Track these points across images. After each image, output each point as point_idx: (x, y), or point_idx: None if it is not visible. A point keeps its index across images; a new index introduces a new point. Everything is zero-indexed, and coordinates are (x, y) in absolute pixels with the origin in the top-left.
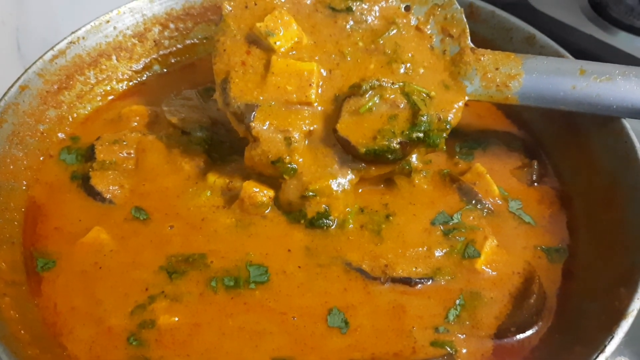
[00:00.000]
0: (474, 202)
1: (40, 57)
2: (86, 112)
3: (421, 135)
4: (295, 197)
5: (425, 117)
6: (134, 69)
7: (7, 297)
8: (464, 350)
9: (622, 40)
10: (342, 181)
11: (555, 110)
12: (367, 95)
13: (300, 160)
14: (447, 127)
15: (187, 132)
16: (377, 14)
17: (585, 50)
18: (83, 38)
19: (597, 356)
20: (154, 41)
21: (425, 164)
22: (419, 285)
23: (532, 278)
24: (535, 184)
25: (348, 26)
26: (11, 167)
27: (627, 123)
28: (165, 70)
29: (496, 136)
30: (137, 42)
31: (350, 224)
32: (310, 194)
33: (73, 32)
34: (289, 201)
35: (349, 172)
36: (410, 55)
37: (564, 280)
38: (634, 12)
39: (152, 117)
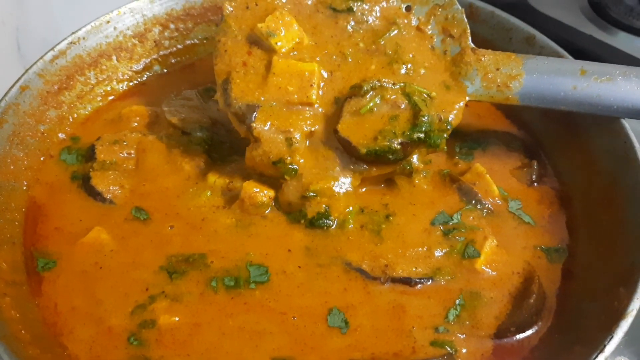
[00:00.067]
0: (473, 202)
1: (41, 58)
2: (86, 112)
3: (422, 135)
4: (296, 198)
5: (426, 117)
6: (134, 69)
7: (8, 297)
8: (464, 350)
9: (622, 41)
10: (344, 182)
11: (555, 110)
12: (368, 96)
13: (302, 161)
14: (448, 127)
15: (188, 132)
16: (378, 14)
17: (584, 50)
18: (83, 38)
19: (597, 356)
20: (154, 41)
21: (425, 164)
22: (419, 285)
23: (532, 278)
24: (535, 184)
25: (349, 27)
26: (12, 167)
27: (627, 123)
28: (165, 70)
29: (496, 136)
30: (137, 42)
31: (350, 224)
32: (311, 194)
33: (73, 33)
34: (289, 201)
35: (351, 173)
36: (411, 55)
37: (563, 280)
38: (633, 12)
39: (153, 117)
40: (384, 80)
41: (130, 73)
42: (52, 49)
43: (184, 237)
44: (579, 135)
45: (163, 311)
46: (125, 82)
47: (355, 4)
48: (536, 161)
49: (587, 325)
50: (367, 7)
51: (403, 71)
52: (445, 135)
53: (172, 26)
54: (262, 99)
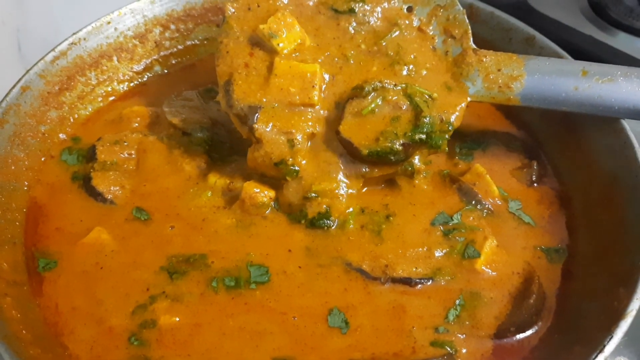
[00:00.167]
0: (473, 202)
1: (42, 58)
2: (87, 112)
3: (423, 136)
4: (297, 199)
5: (427, 118)
6: (134, 70)
7: (9, 297)
8: (464, 350)
9: (622, 41)
10: (346, 184)
11: (555, 111)
12: (369, 97)
13: (303, 162)
14: (450, 128)
15: (188, 132)
16: (380, 15)
17: (584, 51)
18: (84, 39)
19: (596, 356)
20: (155, 42)
21: (425, 165)
22: (419, 285)
23: (532, 278)
24: (535, 184)
25: (351, 28)
26: (13, 167)
27: (626, 123)
28: (166, 71)
29: (496, 137)
30: (138, 43)
31: (350, 224)
32: (313, 195)
33: (74, 33)
34: (289, 202)
35: (352, 174)
36: (412, 56)
37: (563, 281)
38: (633, 12)
39: (153, 117)
40: (385, 81)
41: (130, 74)
42: (53, 49)
43: (184, 238)
44: (578, 135)
45: (164, 311)
46: (126, 83)
47: (357, 5)
48: (536, 161)
49: (586, 326)
50: (368, 8)
51: (405, 72)
52: (446, 136)
53: (172, 27)
54: (264, 100)
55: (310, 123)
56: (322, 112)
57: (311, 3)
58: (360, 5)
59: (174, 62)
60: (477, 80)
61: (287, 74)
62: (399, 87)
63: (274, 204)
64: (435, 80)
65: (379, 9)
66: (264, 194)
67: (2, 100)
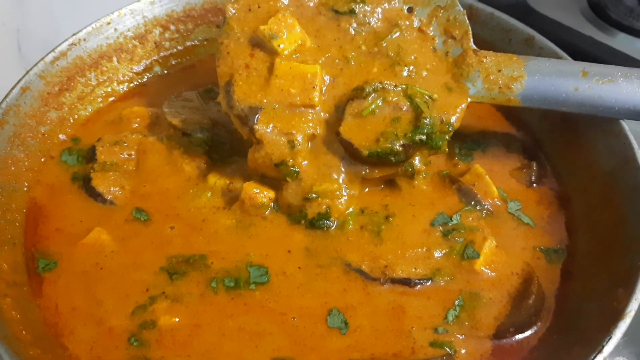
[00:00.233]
0: (473, 203)
1: (42, 59)
2: (87, 113)
3: (424, 137)
4: (297, 200)
5: (427, 119)
6: (134, 71)
7: (9, 297)
8: (463, 351)
9: (621, 42)
10: (346, 185)
11: (555, 111)
12: (370, 98)
13: (304, 163)
14: (450, 129)
15: (188, 133)
16: (380, 16)
17: (584, 51)
18: (84, 40)
19: (595, 356)
20: (155, 43)
21: (424, 165)
22: (418, 286)
23: (531, 279)
24: (534, 185)
25: (351, 29)
26: (12, 168)
27: (626, 124)
28: (165, 71)
29: (495, 137)
30: (137, 43)
31: (350, 224)
32: (313, 196)
33: (74, 34)
34: (288, 203)
35: (353, 175)
36: (413, 57)
37: (562, 281)
38: (633, 13)
39: (153, 118)
40: (385, 82)
41: (130, 74)
42: (53, 50)
43: (184, 238)
44: (578, 136)
45: (163, 312)
46: (126, 84)
47: (357, 6)
48: (535, 162)
49: (585, 326)
50: (369, 9)
51: (405, 73)
52: (447, 137)
53: (172, 27)
54: (265, 101)
55: (310, 124)
56: (322, 113)
57: (312, 4)
58: (361, 6)
59: (173, 62)
60: (478, 81)
61: (288, 75)
62: (400, 88)
63: (273, 204)
64: (435, 81)
65: (379, 9)
66: (263, 195)
67: (2, 101)
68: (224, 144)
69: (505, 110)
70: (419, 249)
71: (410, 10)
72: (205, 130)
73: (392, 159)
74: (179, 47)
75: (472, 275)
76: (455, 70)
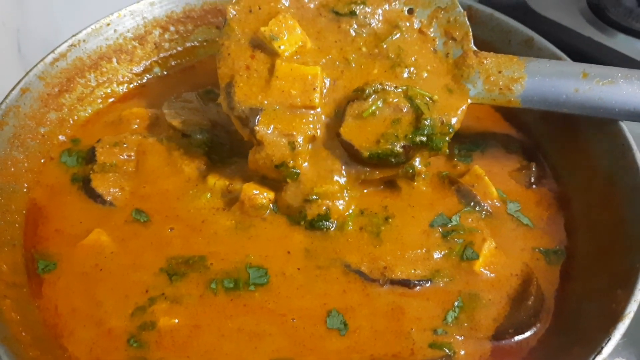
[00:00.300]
0: (472, 204)
1: (41, 60)
2: (87, 114)
3: (424, 139)
4: (297, 201)
5: (428, 120)
6: (134, 72)
7: (8, 299)
8: (462, 352)
9: (621, 43)
10: (347, 186)
11: (555, 113)
12: (370, 99)
13: (305, 164)
14: (450, 130)
15: (188, 134)
16: (381, 17)
17: (583, 52)
18: (84, 41)
19: (594, 358)
20: (155, 44)
21: (424, 167)
22: (418, 287)
23: (530, 280)
24: (534, 186)
25: (352, 30)
26: (12, 169)
27: (624, 125)
28: (165, 72)
29: (495, 138)
30: (137, 44)
31: (349, 225)
32: (314, 197)
33: (74, 35)
34: (288, 204)
35: (354, 177)
36: (413, 59)
37: (561, 282)
38: (632, 14)
39: (153, 119)
40: (386, 83)
41: (130, 75)
42: (53, 51)
43: (183, 239)
44: (577, 137)
45: (163, 313)
46: (126, 85)
47: (358, 8)
48: (535, 163)
49: (585, 327)
50: (369, 10)
51: (406, 75)
52: (447, 139)
53: (172, 28)
54: (265, 102)
55: (311, 125)
56: (323, 114)
57: (312, 5)
58: (361, 7)
59: (173, 63)
60: (478, 82)
61: (289, 77)
62: (400, 90)
63: (272, 205)
64: (436, 83)
65: (379, 11)
66: (263, 196)
67: (2, 102)
68: (223, 145)
69: (505, 111)
70: (419, 250)
71: (410, 11)
72: (205, 131)
73: (393, 160)
74: (179, 48)
75: (471, 276)
76: (455, 71)
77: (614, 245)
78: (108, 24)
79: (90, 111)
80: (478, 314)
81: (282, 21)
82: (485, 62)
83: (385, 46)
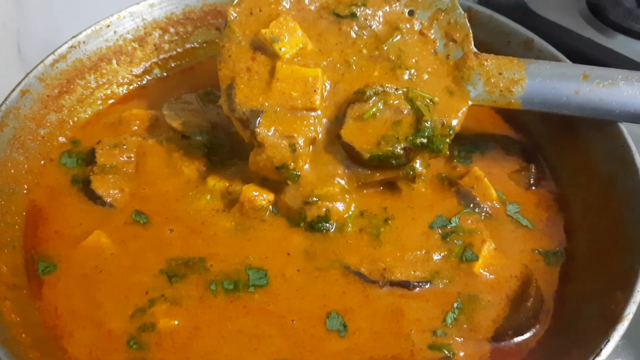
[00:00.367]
0: (472, 205)
1: (41, 62)
2: (87, 116)
3: (425, 140)
4: (297, 203)
5: (429, 122)
6: (134, 73)
7: (8, 300)
8: (462, 354)
9: (621, 44)
10: (347, 188)
11: (554, 114)
12: (371, 101)
13: (306, 167)
14: (451, 132)
15: (187, 136)
16: (381, 19)
17: (583, 53)
18: (84, 42)
19: (593, 359)
20: (154, 45)
21: (425, 169)
22: (417, 288)
23: (530, 281)
24: (533, 187)
25: (352, 32)
26: (12, 171)
27: (624, 126)
28: (165, 74)
29: (494, 140)
30: (137, 46)
31: (349, 227)
32: (314, 199)
33: (74, 37)
34: (288, 206)
35: (354, 179)
36: (414, 60)
37: (561, 283)
38: (632, 15)
39: (153, 120)
40: (387, 85)
41: (130, 77)
42: (53, 52)
43: (183, 241)
44: (576, 138)
45: (163, 314)
46: (126, 86)
47: (359, 10)
48: (534, 165)
49: (584, 329)
50: (370, 12)
51: (406, 77)
52: (447, 140)
53: (172, 30)
54: (266, 104)
55: (312, 127)
56: (323, 116)
57: (313, 7)
58: (362, 9)
59: (173, 65)
60: (479, 84)
61: (289, 78)
62: (401, 91)
63: (272, 207)
64: (436, 84)
65: (380, 12)
66: (262, 197)
67: (2, 104)
68: (223, 146)
69: (504, 113)
70: (418, 252)
71: (411, 13)
72: (205, 132)
73: (393, 162)
74: (179, 50)
75: (470, 277)
76: (456, 73)
77: (614, 246)
78: (108, 26)
79: (90, 113)
80: (477, 315)
81: (283, 23)
82: (485, 63)
83: (385, 48)
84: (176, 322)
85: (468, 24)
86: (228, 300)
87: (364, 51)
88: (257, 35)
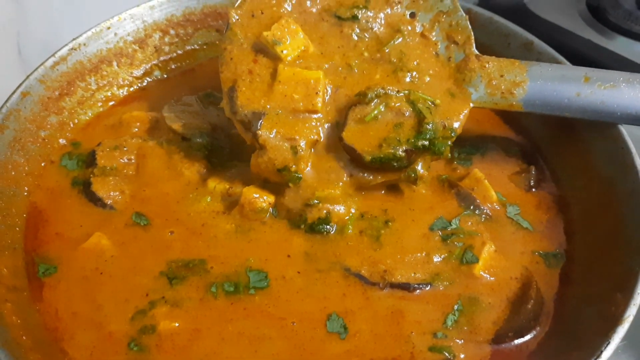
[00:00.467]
0: (472, 207)
1: (42, 64)
2: (87, 117)
3: (426, 143)
4: (298, 205)
5: (430, 125)
6: (134, 75)
7: (9, 302)
8: (462, 356)
9: (620, 45)
10: (348, 190)
11: (554, 116)
12: (372, 104)
13: (307, 169)
14: (452, 134)
15: (188, 137)
16: (383, 21)
17: (583, 54)
18: (84, 44)
19: None
20: (155, 47)
21: (427, 171)
22: (418, 290)
23: (530, 283)
24: (533, 189)
25: (354, 35)
26: (13, 173)
27: (624, 129)
28: (165, 76)
29: (494, 142)
30: (137, 48)
31: (349, 229)
32: (315, 201)
33: (74, 39)
34: (288, 208)
35: (356, 181)
36: (415, 63)
37: (561, 285)
38: (632, 16)
39: (153, 122)
40: (388, 87)
41: (130, 78)
42: (53, 55)
43: (184, 243)
44: (576, 140)
45: (163, 317)
46: (126, 88)
47: (360, 12)
48: (534, 166)
49: (584, 331)
50: (371, 14)
51: (408, 79)
52: (449, 143)
53: (172, 32)
54: (268, 106)
55: (313, 130)
56: (325, 119)
57: (314, 10)
58: (363, 11)
59: (173, 66)
60: (480, 86)
61: (291, 81)
62: (402, 94)
63: (272, 209)
64: (438, 87)
65: (381, 15)
66: (263, 199)
67: (2, 106)
68: (223, 148)
69: (504, 115)
70: (418, 254)
71: (412, 15)
72: (205, 134)
73: (395, 164)
74: (179, 51)
75: (471, 279)
76: (457, 75)
77: (614, 248)
78: (108, 28)
79: (90, 114)
80: (478, 317)
81: (285, 26)
82: (487, 66)
83: (387, 50)
84: (176, 324)
85: (469, 26)
86: (228, 302)
87: (366, 54)
88: (259, 37)
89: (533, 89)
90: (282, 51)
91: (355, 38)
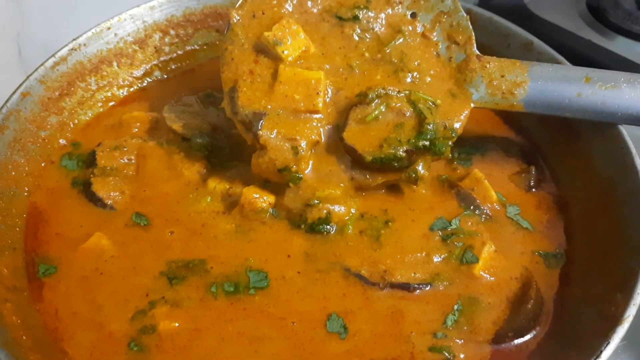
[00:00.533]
0: (472, 207)
1: (42, 64)
2: (87, 118)
3: (427, 143)
4: (299, 205)
5: (431, 125)
6: (134, 75)
7: (9, 302)
8: (462, 356)
9: (620, 45)
10: (349, 190)
11: (554, 116)
12: (373, 104)
13: (308, 169)
14: (453, 135)
15: (188, 138)
16: (384, 22)
17: (583, 55)
18: (84, 45)
19: None
20: (155, 47)
21: (427, 172)
22: (418, 290)
23: (530, 283)
24: (533, 189)
25: (355, 35)
26: (13, 173)
27: (624, 129)
28: (165, 76)
29: (494, 142)
30: (137, 48)
31: (349, 229)
32: (316, 201)
33: (74, 39)
34: (288, 208)
35: (356, 181)
36: (416, 63)
37: (561, 285)
38: (631, 17)
39: (153, 123)
40: (389, 88)
41: (130, 79)
42: (53, 55)
43: (184, 243)
44: (576, 140)
45: (163, 317)
46: (126, 88)
47: (361, 12)
48: (534, 167)
49: (584, 331)
50: (372, 14)
51: (409, 79)
52: (450, 143)
53: (172, 32)
54: (269, 107)
55: (314, 130)
56: (326, 119)
57: (315, 10)
58: (364, 12)
59: (173, 67)
60: (481, 87)
61: (292, 81)
62: (403, 94)
63: (272, 209)
64: (439, 87)
65: (382, 15)
66: (263, 200)
67: (3, 106)
68: (223, 148)
69: (504, 115)
70: (418, 254)
71: (413, 15)
72: (205, 135)
73: (396, 164)
74: (179, 52)
75: (471, 280)
76: (458, 75)
77: (613, 248)
78: (108, 28)
79: (90, 115)
80: (478, 317)
81: (286, 26)
82: (488, 66)
83: (388, 51)
84: (176, 324)
85: (470, 27)
86: (228, 302)
87: (367, 54)
88: (259, 38)
89: (534, 89)
90: (283, 51)
91: (356, 38)
